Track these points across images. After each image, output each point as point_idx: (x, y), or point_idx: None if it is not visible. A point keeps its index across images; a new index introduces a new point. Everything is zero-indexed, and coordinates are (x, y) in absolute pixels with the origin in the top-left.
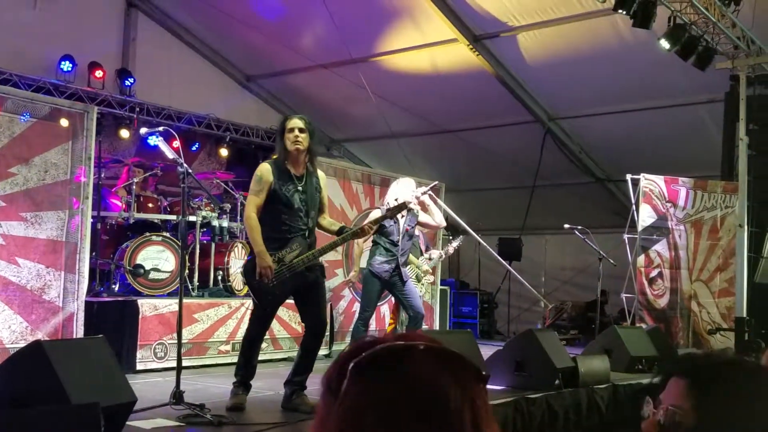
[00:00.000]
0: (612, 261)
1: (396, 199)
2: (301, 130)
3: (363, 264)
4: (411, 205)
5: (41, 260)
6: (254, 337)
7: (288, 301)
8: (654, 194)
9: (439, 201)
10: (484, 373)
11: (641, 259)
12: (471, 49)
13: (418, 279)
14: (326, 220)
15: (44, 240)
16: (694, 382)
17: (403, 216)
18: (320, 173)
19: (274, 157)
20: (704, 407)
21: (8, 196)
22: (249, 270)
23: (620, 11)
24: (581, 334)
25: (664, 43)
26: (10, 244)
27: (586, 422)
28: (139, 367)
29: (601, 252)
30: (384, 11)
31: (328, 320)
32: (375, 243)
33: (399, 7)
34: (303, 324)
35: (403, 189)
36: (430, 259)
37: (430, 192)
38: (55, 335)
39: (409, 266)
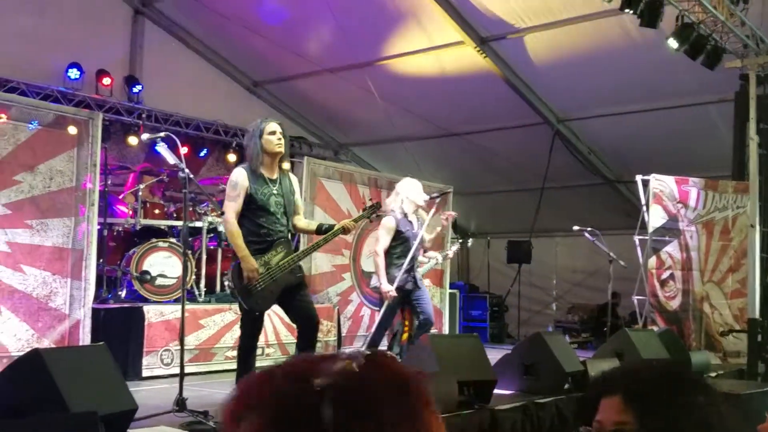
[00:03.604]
0: (623, 263)
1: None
2: (281, 134)
3: (368, 266)
4: (420, 211)
5: (47, 267)
6: (248, 344)
7: None
8: (664, 195)
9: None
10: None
11: (652, 261)
12: (478, 51)
13: None
14: (302, 221)
15: (50, 247)
16: (627, 396)
17: (419, 219)
18: (292, 176)
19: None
20: (646, 414)
21: (13, 203)
22: (236, 276)
23: (627, 11)
24: (593, 337)
25: (672, 43)
26: (15, 252)
27: None
28: (145, 373)
29: (611, 254)
30: (390, 14)
31: (336, 324)
32: (389, 254)
33: (405, 10)
34: (294, 324)
35: (414, 189)
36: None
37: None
38: (61, 342)
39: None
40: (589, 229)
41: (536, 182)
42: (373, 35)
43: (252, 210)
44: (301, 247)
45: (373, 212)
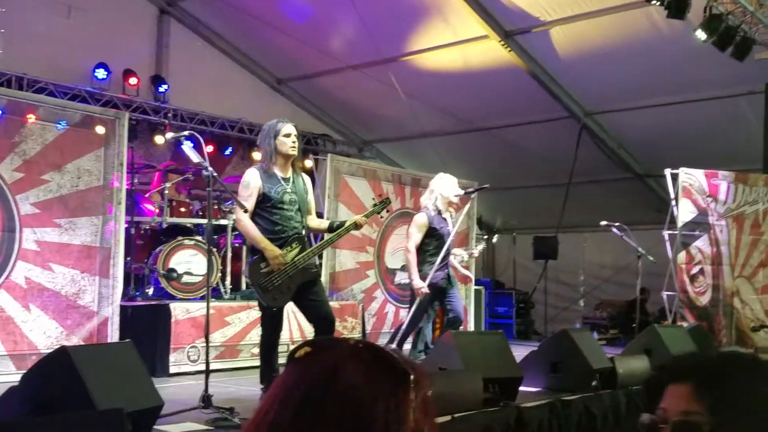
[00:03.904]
0: (651, 258)
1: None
2: (296, 137)
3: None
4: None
5: (75, 266)
6: (269, 341)
7: None
8: (694, 189)
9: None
10: (411, 375)
11: (682, 256)
12: (502, 45)
13: None
14: (314, 221)
15: (78, 246)
16: (699, 383)
17: (452, 217)
18: (304, 176)
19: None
20: (718, 404)
21: (42, 203)
22: (254, 270)
23: (653, 2)
24: (621, 333)
25: (700, 34)
26: (44, 251)
27: (626, 425)
28: (172, 370)
29: (639, 249)
30: (413, 9)
31: (360, 322)
32: (422, 251)
33: (428, 4)
34: (311, 323)
35: (447, 185)
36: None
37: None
38: (90, 340)
39: None
40: (617, 224)
41: (563, 177)
42: (397, 31)
43: (266, 208)
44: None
45: (384, 207)
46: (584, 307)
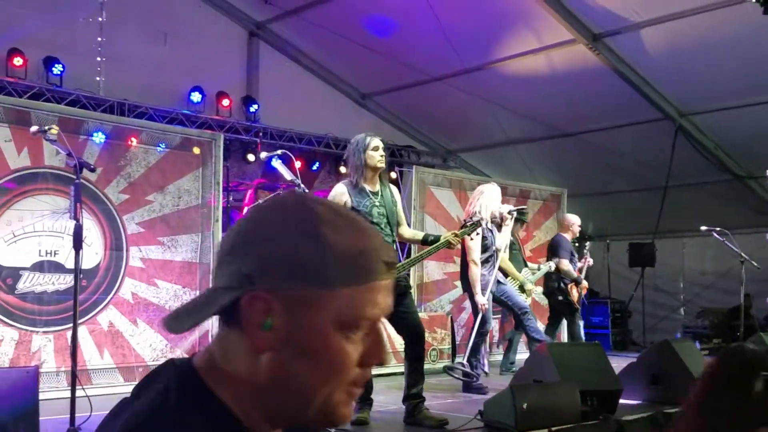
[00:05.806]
0: (755, 263)
1: (478, 212)
2: (383, 150)
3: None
4: (498, 220)
5: (178, 281)
6: None
7: None
8: None
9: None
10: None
11: None
12: (591, 48)
13: (523, 290)
14: (407, 231)
15: (180, 262)
16: None
17: (503, 222)
18: (392, 187)
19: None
20: None
21: (146, 222)
22: None
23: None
24: (725, 342)
25: None
26: (149, 267)
27: None
28: None
29: (742, 254)
30: (496, 18)
31: (450, 333)
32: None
33: (512, 11)
34: (401, 335)
35: (495, 199)
36: (534, 272)
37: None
38: (192, 352)
39: (509, 278)
40: (717, 228)
41: (657, 181)
42: (480, 40)
43: None
44: (412, 256)
45: (473, 230)
46: (685, 315)
